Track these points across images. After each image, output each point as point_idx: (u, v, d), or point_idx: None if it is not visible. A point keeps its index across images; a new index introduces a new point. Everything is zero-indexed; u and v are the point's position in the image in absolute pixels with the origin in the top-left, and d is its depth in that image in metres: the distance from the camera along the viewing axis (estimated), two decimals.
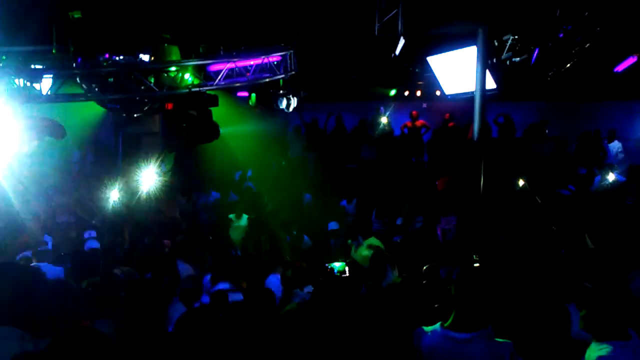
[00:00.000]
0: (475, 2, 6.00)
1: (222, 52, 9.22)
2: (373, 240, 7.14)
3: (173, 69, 9.15)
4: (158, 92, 9.16)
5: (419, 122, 13.59)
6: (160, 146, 13.76)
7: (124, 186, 10.94)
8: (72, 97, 8.98)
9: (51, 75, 8.70)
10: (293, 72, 9.63)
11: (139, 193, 10.70)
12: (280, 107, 9.76)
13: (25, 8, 8.06)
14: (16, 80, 8.32)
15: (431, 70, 8.65)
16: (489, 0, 5.92)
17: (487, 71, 6.39)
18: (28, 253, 6.79)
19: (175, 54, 9.31)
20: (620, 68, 7.92)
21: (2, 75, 8.22)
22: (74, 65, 8.92)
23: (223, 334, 3.26)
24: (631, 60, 7.75)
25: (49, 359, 2.17)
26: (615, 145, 11.85)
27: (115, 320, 3.93)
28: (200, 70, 9.04)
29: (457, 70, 7.99)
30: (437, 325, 3.07)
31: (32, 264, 6.34)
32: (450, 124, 13.40)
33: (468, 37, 7.00)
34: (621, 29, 6.56)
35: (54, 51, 8.83)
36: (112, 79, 8.83)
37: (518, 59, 7.20)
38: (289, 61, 9.57)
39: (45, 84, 8.72)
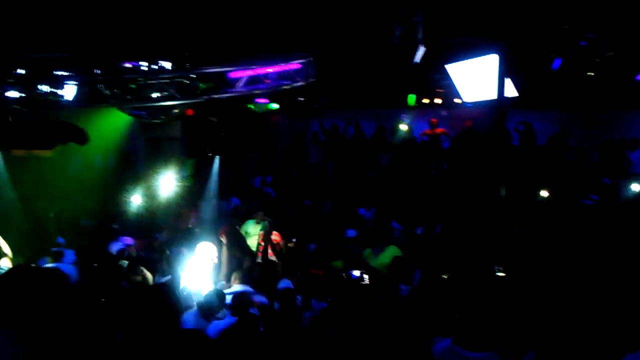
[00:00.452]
0: (495, 15, 5.97)
1: (242, 60, 9.30)
2: (393, 249, 7.09)
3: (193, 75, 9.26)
4: (179, 99, 9.28)
5: (439, 130, 13.51)
6: (180, 152, 13.89)
7: (145, 191, 11.09)
8: (94, 103, 9.13)
9: (74, 82, 8.88)
10: (312, 80, 9.66)
11: (159, 198, 10.83)
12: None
13: (50, 15, 8.22)
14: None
15: (450, 78, 8.62)
16: (508, 14, 5.88)
17: (508, 78, 6.35)
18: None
19: None
20: None
21: (26, 81, 8.42)
22: (97, 72, 9.10)
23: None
24: None
25: None
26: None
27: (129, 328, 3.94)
28: (220, 78, 9.13)
29: (476, 78, 7.95)
30: (449, 339, 2.92)
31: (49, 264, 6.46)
32: (465, 131, 13.29)
33: (488, 44, 6.97)
34: None
35: (76, 58, 9.02)
36: (134, 86, 8.98)
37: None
38: (308, 69, 9.60)
39: (69, 90, 8.89)
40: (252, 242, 8.94)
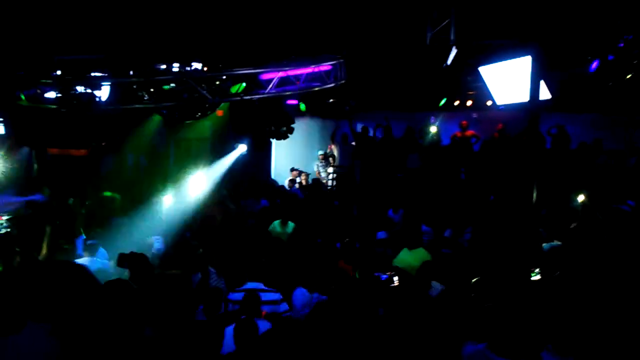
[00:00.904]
0: (529, 16, 5.87)
1: (273, 61, 9.38)
2: (421, 252, 7.03)
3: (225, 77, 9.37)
4: (211, 100, 9.40)
5: (469, 132, 13.37)
6: (210, 151, 14.05)
7: (176, 190, 11.26)
8: (128, 104, 9.32)
9: (109, 83, 9.08)
10: (343, 82, 9.67)
11: (189, 197, 10.98)
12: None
13: (86, 18, 8.41)
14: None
15: (482, 80, 8.51)
16: (542, 15, 5.77)
17: (542, 81, 6.23)
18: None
19: None
20: None
21: (63, 82, 8.64)
22: (131, 73, 9.29)
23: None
24: None
25: None
26: None
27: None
28: (251, 79, 9.22)
29: (509, 80, 7.82)
30: (482, 344, 2.89)
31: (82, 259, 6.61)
32: (496, 135, 13.13)
33: (522, 46, 6.87)
34: None
35: (111, 60, 9.22)
36: (167, 87, 9.13)
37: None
38: (339, 70, 9.62)
39: (104, 91, 9.09)
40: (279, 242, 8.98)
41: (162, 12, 8.45)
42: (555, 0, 6.58)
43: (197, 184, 11.01)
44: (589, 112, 12.57)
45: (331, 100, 9.94)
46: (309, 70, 9.31)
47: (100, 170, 13.42)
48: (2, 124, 10.48)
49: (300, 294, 5.68)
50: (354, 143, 13.42)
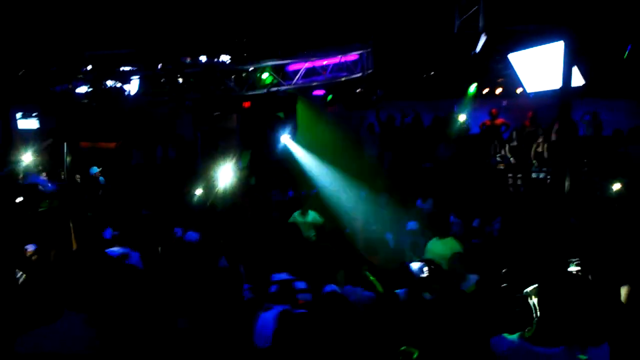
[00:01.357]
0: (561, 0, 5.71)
1: (300, 52, 9.36)
2: (451, 242, 6.95)
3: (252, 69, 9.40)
4: (237, 91, 9.46)
5: (499, 121, 13.15)
6: (237, 143, 14.14)
7: (204, 181, 11.37)
8: (157, 97, 9.45)
9: (138, 76, 9.21)
10: (370, 71, 9.60)
11: (217, 188, 11.08)
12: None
13: (115, 13, 8.53)
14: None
15: (512, 67, 8.35)
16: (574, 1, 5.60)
17: (574, 67, 6.08)
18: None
19: None
20: None
21: (94, 77, 8.80)
22: (159, 66, 9.40)
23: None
24: None
25: None
26: None
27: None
28: (278, 70, 9.22)
29: (540, 67, 7.65)
30: (517, 335, 2.82)
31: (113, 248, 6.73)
32: (527, 123, 12.88)
33: (554, 31, 6.70)
34: None
35: (140, 54, 9.35)
36: (193, 80, 9.22)
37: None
38: (365, 60, 9.55)
39: (133, 84, 9.24)
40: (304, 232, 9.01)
41: (189, 6, 8.51)
42: None
43: (225, 175, 11.08)
44: (623, 98, 12.23)
45: (358, 90, 9.87)
46: (335, 60, 9.28)
47: (131, 163, 13.67)
48: (36, 119, 10.76)
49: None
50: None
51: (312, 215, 9.57)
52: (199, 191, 10.40)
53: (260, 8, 8.84)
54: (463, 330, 3.83)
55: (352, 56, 9.38)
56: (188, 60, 9.57)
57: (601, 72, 8.10)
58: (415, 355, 3.21)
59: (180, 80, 9.19)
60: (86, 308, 2.19)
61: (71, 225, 5.44)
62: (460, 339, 3.71)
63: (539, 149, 11.93)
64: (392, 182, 11.92)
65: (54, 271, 5.63)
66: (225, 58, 9.53)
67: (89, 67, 8.94)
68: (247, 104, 12.66)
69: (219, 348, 3.40)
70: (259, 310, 4.67)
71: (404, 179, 11.92)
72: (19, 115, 10.75)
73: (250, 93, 9.57)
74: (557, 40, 6.66)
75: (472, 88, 12.77)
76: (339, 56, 9.19)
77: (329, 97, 12.09)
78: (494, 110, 13.15)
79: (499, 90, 12.84)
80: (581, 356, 2.64)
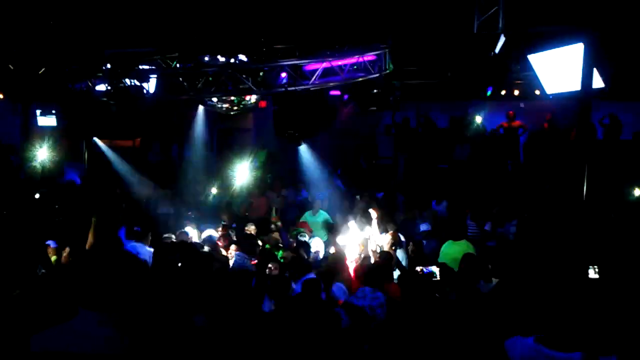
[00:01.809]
0: (581, 1, 5.62)
1: (317, 52, 9.35)
2: (465, 245, 6.91)
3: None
4: (255, 91, 9.47)
5: (516, 123, 13.04)
6: (252, 142, 14.19)
7: (219, 180, 11.44)
8: (174, 96, 9.50)
9: (156, 75, 9.27)
10: (387, 72, 9.55)
11: (233, 187, 11.14)
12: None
13: (134, 12, 8.59)
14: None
15: (531, 69, 8.25)
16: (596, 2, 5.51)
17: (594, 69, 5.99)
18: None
19: None
20: None
21: (113, 75, 8.88)
22: (178, 65, 9.46)
23: None
24: None
25: None
26: None
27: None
28: (296, 70, 9.22)
29: (561, 68, 7.55)
30: (531, 338, 2.83)
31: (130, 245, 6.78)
32: (545, 125, 12.74)
33: (574, 32, 6.61)
34: None
35: (158, 52, 9.40)
36: (212, 79, 9.26)
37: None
38: (383, 60, 9.51)
39: (151, 83, 9.29)
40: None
41: (208, 5, 8.54)
42: None
43: (241, 175, 11.14)
44: None
45: (375, 90, 9.82)
46: (353, 60, 9.24)
47: (148, 161, 13.79)
48: (54, 116, 10.89)
49: (337, 289, 5.68)
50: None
51: (322, 215, 9.60)
52: (212, 189, 10.44)
53: (278, 7, 8.85)
54: (477, 332, 3.81)
55: (370, 56, 9.33)
56: (206, 59, 9.60)
57: (621, 75, 7.98)
58: None
59: (199, 79, 9.22)
60: (102, 307, 2.21)
61: (93, 221, 5.50)
62: (475, 340, 3.69)
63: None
64: (407, 183, 11.89)
65: (69, 269, 5.71)
66: (243, 57, 9.56)
67: (109, 66, 9.01)
68: (263, 104, 12.67)
69: (236, 345, 3.41)
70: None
71: (418, 181, 11.88)
72: (38, 112, 10.89)
73: (268, 92, 9.59)
74: (577, 42, 6.58)
75: (489, 91, 12.66)
76: (357, 56, 9.16)
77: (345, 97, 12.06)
78: (511, 113, 13.03)
79: (516, 92, 12.72)
80: None
